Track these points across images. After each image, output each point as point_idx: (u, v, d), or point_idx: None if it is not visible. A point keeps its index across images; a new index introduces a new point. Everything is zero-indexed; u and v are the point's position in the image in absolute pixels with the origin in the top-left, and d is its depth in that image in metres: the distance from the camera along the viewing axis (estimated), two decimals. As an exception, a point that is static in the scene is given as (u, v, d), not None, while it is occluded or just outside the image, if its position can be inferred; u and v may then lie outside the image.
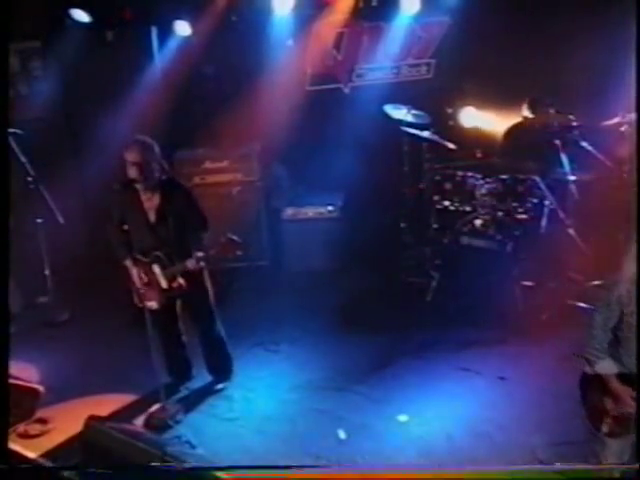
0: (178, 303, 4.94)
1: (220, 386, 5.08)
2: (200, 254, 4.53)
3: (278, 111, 7.14)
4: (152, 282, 4.71)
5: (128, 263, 4.77)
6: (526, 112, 6.25)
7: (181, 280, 4.67)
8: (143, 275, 4.71)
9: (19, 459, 2.98)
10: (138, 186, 4.65)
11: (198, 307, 4.94)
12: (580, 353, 3.35)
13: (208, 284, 4.89)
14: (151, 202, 4.70)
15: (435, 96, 7.04)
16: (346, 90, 7.77)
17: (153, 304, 4.68)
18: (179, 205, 4.69)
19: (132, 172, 4.57)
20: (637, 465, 2.50)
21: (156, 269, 4.67)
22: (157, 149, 4.68)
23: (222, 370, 5.13)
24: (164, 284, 4.68)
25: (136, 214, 4.72)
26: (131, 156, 4.55)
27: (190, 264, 4.56)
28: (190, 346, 5.12)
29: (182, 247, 4.66)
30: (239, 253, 4.58)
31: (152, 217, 4.70)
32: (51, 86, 7.37)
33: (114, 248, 4.86)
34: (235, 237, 4.56)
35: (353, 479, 3.85)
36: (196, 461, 3.53)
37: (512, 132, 6.40)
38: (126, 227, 4.79)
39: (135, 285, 4.72)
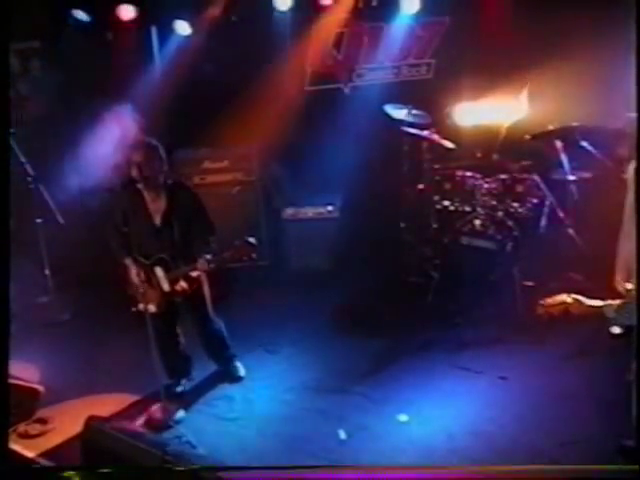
0: (177, 305, 4.93)
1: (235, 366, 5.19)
2: (209, 256, 4.54)
3: (278, 111, 7.13)
4: (152, 284, 4.70)
5: (128, 262, 4.75)
6: (523, 110, 6.23)
7: (183, 283, 4.67)
8: (143, 274, 4.69)
9: (19, 459, 2.98)
10: (140, 186, 4.65)
11: (196, 307, 4.94)
12: None
13: (206, 286, 4.90)
14: (156, 205, 4.70)
15: (435, 96, 7.03)
16: (346, 90, 7.76)
17: (152, 307, 4.65)
18: (185, 209, 4.70)
19: (133, 171, 4.60)
20: (637, 465, 2.50)
21: (159, 272, 4.66)
22: (162, 152, 4.69)
23: (224, 356, 5.19)
24: (166, 287, 4.67)
25: (140, 217, 4.70)
26: (134, 155, 4.60)
27: (201, 265, 4.57)
28: (189, 346, 5.12)
29: (187, 251, 4.66)
30: (254, 256, 4.59)
31: (157, 220, 4.70)
32: (51, 86, 7.38)
33: (113, 249, 4.84)
34: (252, 240, 4.56)
35: (353, 479, 3.87)
36: (196, 461, 3.53)
37: (512, 132, 6.38)
38: (126, 229, 4.71)
39: (134, 286, 4.68)
